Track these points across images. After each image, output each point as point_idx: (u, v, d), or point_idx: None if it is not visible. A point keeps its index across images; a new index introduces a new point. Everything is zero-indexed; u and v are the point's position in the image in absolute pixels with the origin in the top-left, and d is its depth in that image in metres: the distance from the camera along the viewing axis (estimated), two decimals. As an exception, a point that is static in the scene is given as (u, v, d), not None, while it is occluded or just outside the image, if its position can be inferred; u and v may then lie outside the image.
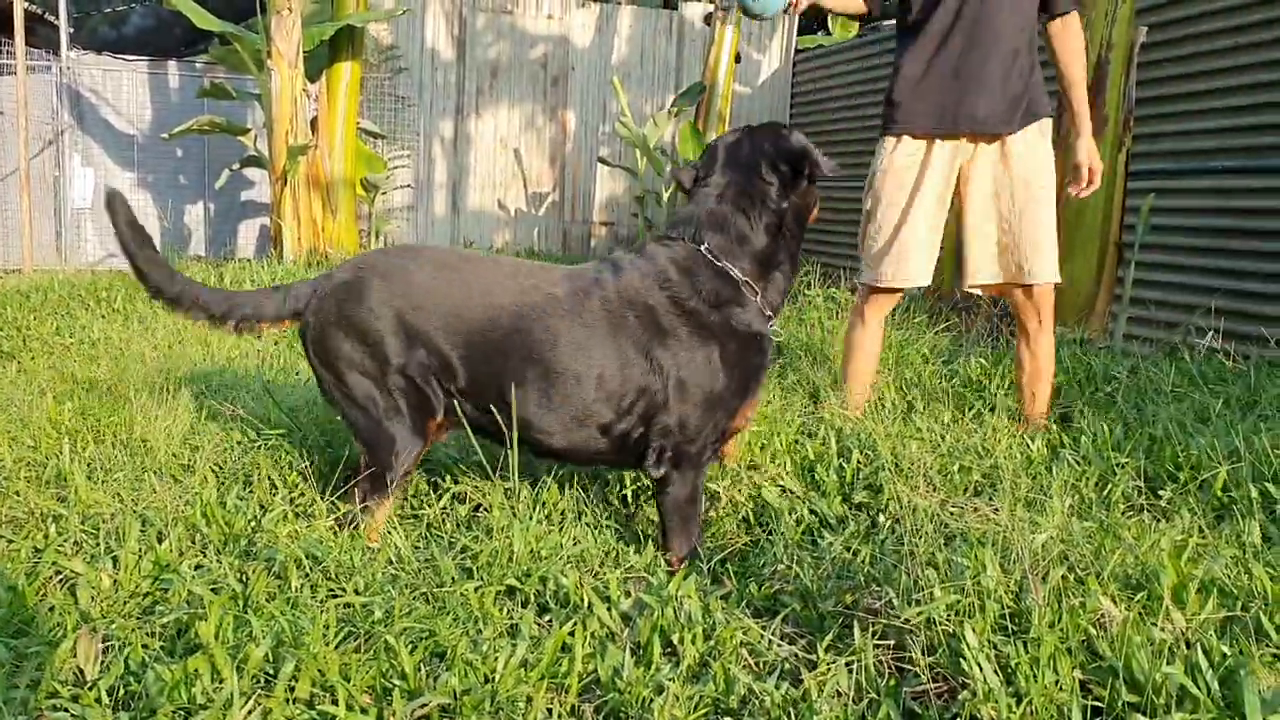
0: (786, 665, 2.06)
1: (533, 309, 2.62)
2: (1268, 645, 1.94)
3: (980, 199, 3.64)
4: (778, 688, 1.92)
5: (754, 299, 2.69)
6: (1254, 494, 2.78)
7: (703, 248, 2.68)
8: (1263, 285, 6.11)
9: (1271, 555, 2.37)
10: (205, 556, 2.50)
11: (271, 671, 1.92)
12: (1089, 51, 5.82)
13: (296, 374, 4.63)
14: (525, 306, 2.63)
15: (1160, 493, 2.93)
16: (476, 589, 2.29)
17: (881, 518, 2.76)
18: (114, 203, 2.76)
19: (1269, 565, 2.26)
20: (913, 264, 3.70)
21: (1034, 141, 3.61)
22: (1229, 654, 1.86)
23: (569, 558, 2.51)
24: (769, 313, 2.73)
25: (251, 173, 11.36)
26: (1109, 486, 2.97)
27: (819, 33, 14.27)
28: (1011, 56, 3.55)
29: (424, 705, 1.84)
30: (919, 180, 3.67)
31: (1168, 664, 1.82)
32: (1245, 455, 3.03)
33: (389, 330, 2.66)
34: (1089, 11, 5.86)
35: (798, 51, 12.95)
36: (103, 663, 1.98)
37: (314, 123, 9.65)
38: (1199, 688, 1.78)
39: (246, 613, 2.13)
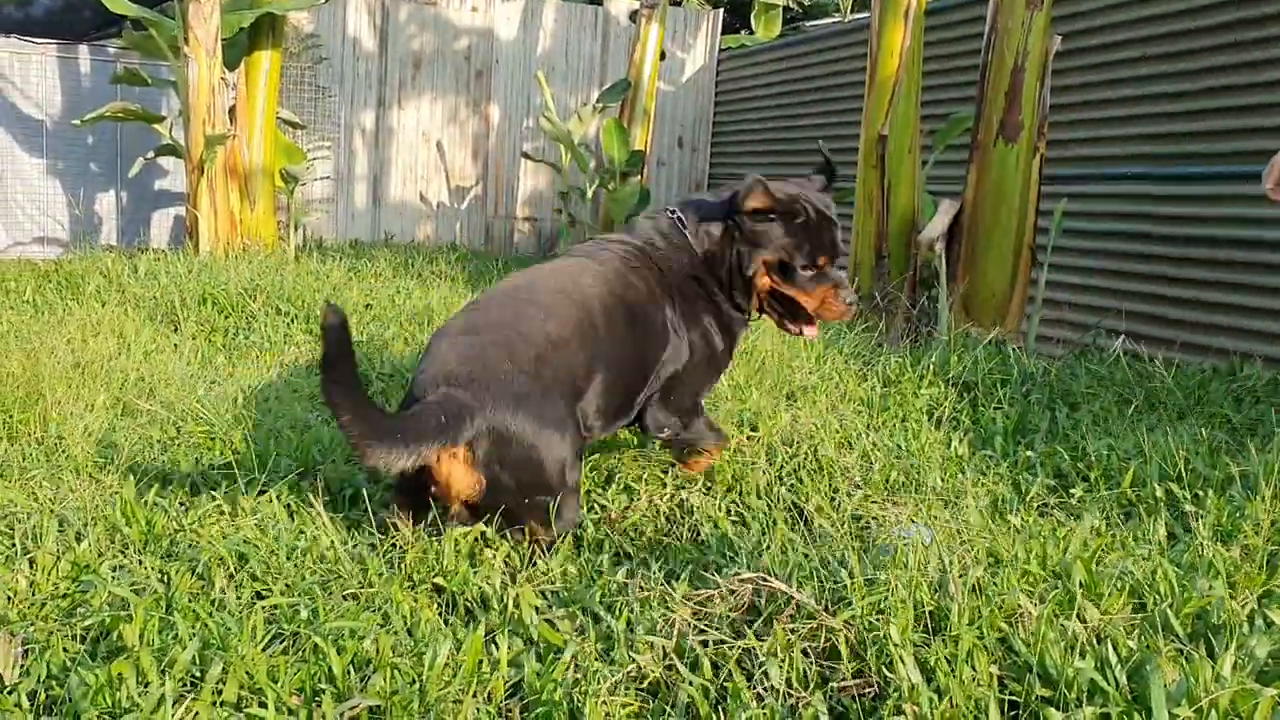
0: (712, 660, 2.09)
1: None
2: (1173, 640, 2.02)
3: None
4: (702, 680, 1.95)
5: None
6: (1159, 493, 2.88)
7: None
8: (1173, 290, 6.36)
9: (1176, 553, 2.46)
10: (126, 557, 2.46)
11: (198, 674, 1.91)
12: (1005, 59, 5.95)
13: (216, 368, 4.56)
14: None
15: (1072, 491, 3.02)
16: (409, 587, 2.28)
17: (805, 516, 2.80)
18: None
19: (1174, 562, 2.35)
20: None
21: None
22: (1136, 648, 1.94)
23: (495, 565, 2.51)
24: None
25: (166, 161, 11.07)
26: (1024, 485, 3.06)
27: (743, 32, 14.37)
28: None
29: (354, 707, 1.84)
30: None
31: (1079, 659, 1.89)
32: (1151, 455, 3.14)
33: None
34: (1006, 19, 5.99)
35: (722, 50, 13.02)
36: (22, 667, 1.95)
37: (232, 111, 9.45)
38: (1108, 682, 1.84)
39: (170, 614, 2.10)
